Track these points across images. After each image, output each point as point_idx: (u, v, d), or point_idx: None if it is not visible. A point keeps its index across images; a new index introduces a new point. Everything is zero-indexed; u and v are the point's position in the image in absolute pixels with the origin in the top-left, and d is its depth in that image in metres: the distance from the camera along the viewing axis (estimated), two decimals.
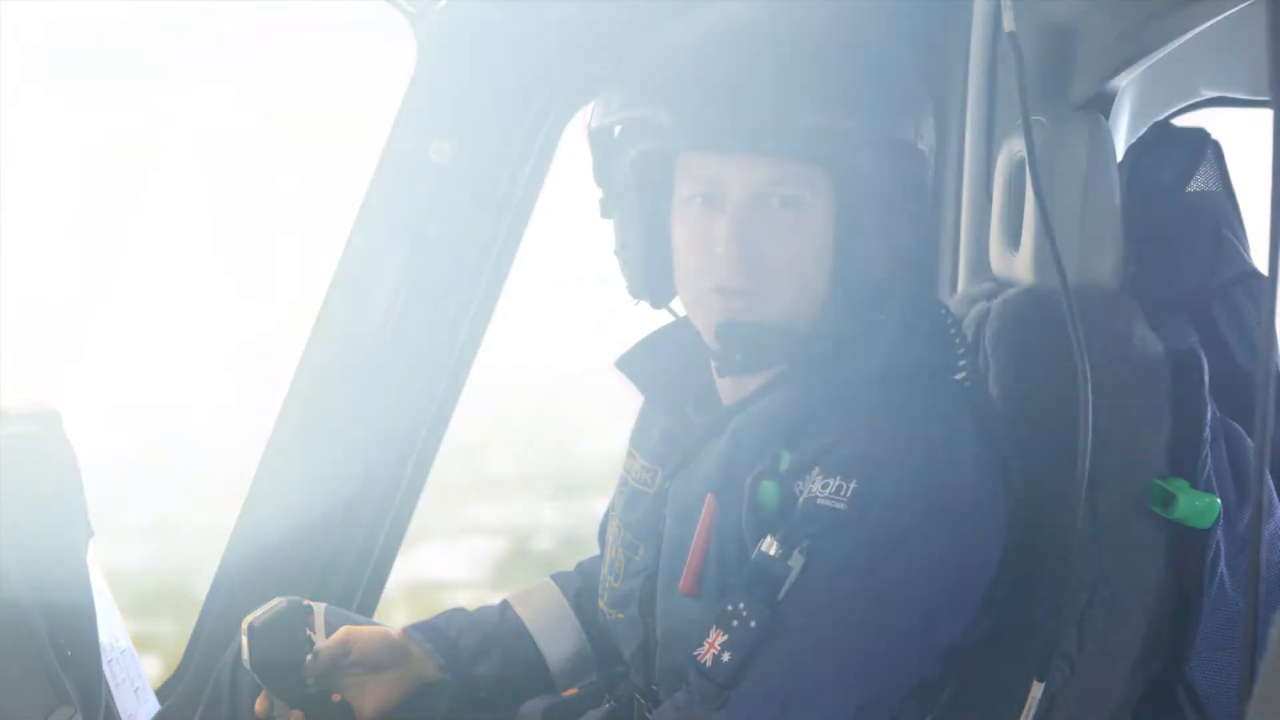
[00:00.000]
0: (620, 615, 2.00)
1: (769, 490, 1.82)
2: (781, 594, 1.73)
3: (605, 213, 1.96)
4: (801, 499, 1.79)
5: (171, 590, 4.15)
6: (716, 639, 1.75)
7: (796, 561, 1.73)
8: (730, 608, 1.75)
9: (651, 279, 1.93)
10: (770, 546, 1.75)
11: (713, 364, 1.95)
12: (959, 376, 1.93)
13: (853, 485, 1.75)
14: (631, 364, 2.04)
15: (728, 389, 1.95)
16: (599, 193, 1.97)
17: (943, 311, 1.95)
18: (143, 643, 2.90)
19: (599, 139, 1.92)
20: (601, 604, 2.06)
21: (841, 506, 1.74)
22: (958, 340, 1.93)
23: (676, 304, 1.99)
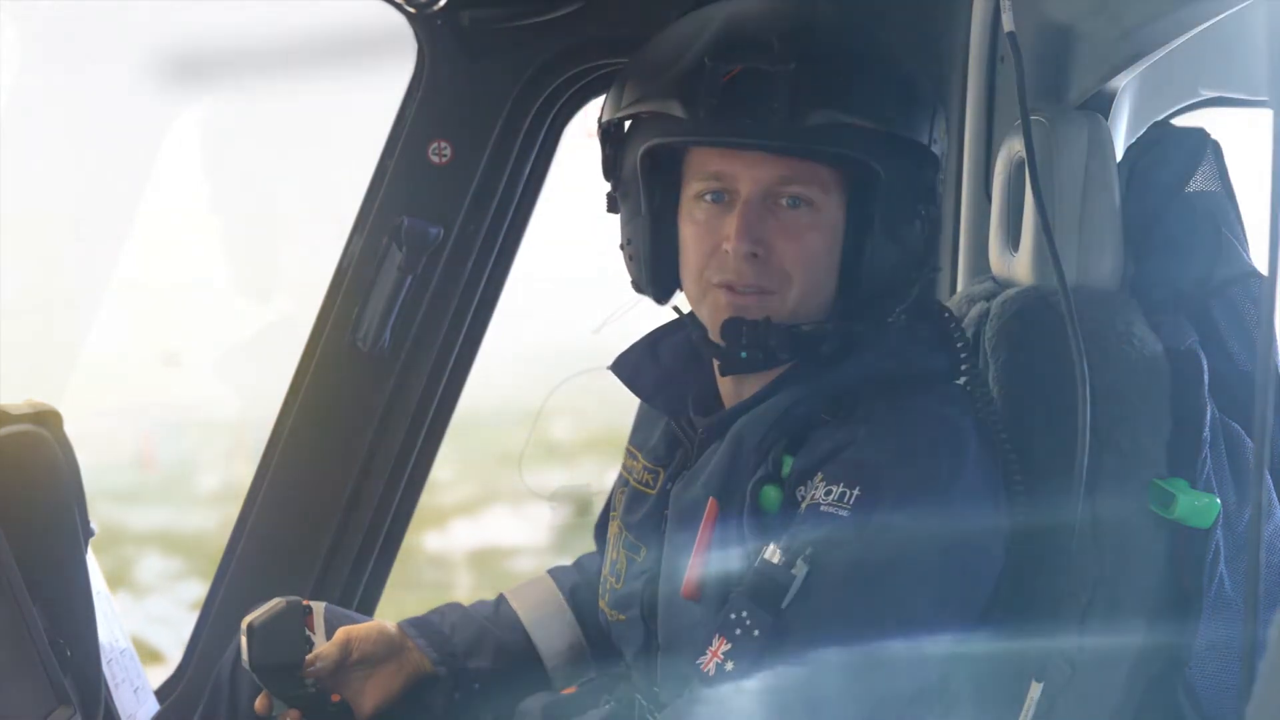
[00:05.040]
0: (622, 617, 2.00)
1: (771, 495, 1.82)
2: (785, 603, 1.72)
3: (612, 207, 1.96)
4: (804, 505, 1.78)
5: None
6: (719, 647, 1.74)
7: (800, 570, 1.73)
8: (733, 616, 1.74)
9: (656, 275, 1.93)
10: (773, 554, 1.74)
11: (715, 364, 1.95)
12: (960, 380, 1.93)
13: (855, 492, 1.74)
14: (627, 367, 2.03)
15: (729, 390, 1.95)
16: (606, 187, 1.97)
17: (945, 314, 1.95)
18: None
19: (608, 133, 1.92)
20: (602, 604, 2.06)
21: (844, 513, 1.74)
22: (959, 343, 1.93)
23: (679, 300, 1.99)
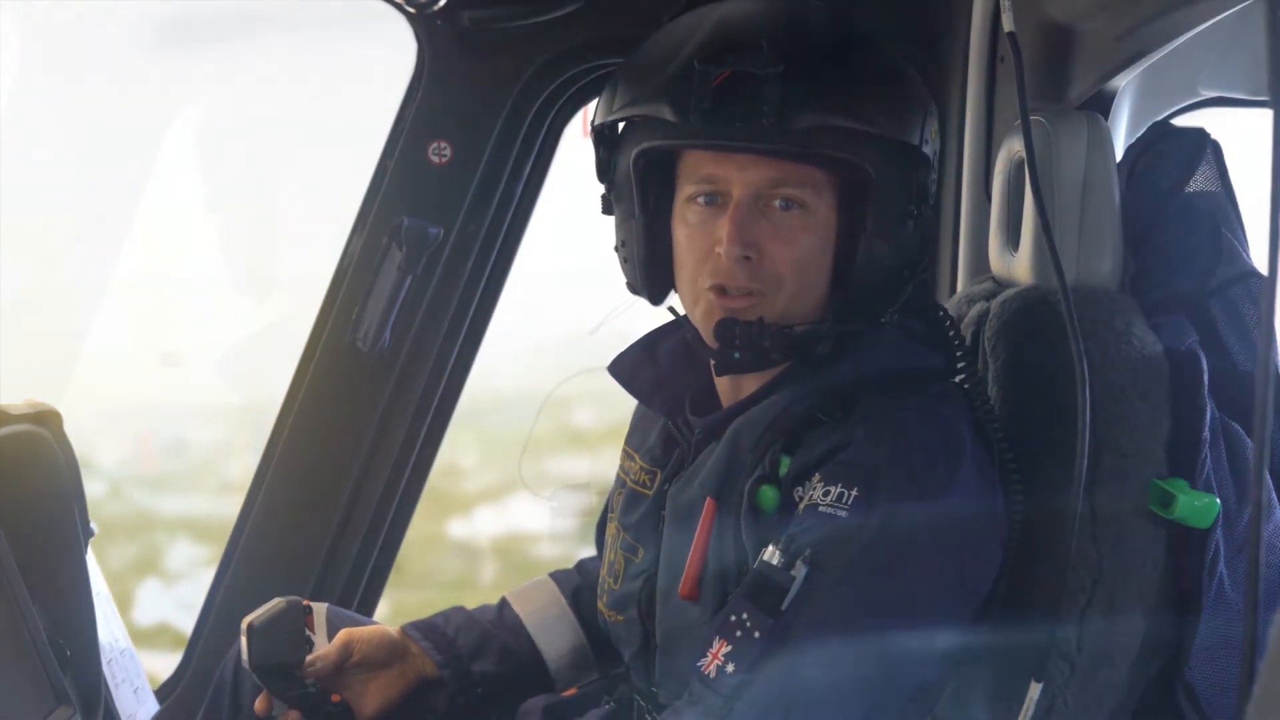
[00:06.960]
0: (620, 617, 2.00)
1: (768, 495, 1.82)
2: (785, 604, 1.72)
3: (607, 209, 1.96)
4: (802, 505, 1.78)
5: None
6: (720, 649, 1.74)
7: (799, 571, 1.72)
8: (733, 618, 1.74)
9: (651, 276, 1.93)
10: (772, 556, 1.74)
11: (711, 364, 1.95)
12: (958, 379, 1.93)
13: (854, 492, 1.74)
14: (625, 368, 2.03)
15: (726, 390, 1.95)
16: (600, 189, 1.97)
17: (941, 314, 1.95)
18: None
19: (601, 135, 1.92)
20: (601, 605, 2.06)
21: (843, 514, 1.74)
22: (956, 343, 1.93)
23: (674, 301, 1.99)
